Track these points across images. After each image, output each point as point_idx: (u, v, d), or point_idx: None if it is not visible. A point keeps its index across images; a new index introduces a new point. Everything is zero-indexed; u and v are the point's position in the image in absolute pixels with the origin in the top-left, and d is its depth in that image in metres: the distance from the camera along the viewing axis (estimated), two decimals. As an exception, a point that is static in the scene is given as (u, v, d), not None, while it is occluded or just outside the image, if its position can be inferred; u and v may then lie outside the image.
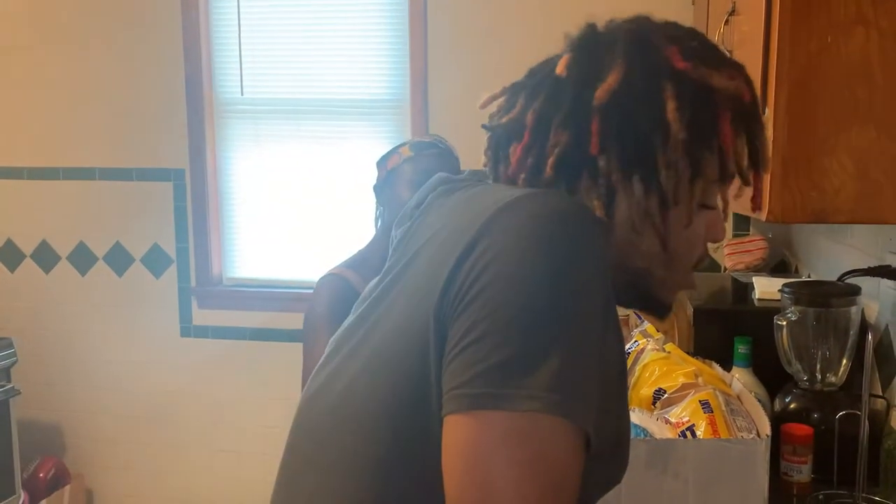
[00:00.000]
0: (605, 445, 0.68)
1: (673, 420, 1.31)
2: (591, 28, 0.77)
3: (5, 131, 3.00)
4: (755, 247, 2.28)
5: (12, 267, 3.05)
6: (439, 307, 0.66)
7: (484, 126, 0.81)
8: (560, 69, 0.74)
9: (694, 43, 0.75)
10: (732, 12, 1.50)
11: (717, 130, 0.73)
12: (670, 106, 0.70)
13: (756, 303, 1.75)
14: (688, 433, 1.26)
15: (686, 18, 2.41)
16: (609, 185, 0.72)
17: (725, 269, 2.34)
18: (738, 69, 0.75)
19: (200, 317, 2.92)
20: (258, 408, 2.86)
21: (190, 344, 2.94)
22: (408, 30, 2.65)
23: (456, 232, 0.69)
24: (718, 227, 0.80)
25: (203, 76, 2.81)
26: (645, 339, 1.52)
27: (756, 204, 1.24)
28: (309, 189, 2.82)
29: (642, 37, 0.75)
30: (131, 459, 2.99)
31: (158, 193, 2.89)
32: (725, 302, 1.96)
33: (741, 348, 1.57)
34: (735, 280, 2.10)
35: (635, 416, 1.33)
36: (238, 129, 2.87)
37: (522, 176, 0.75)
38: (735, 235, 2.48)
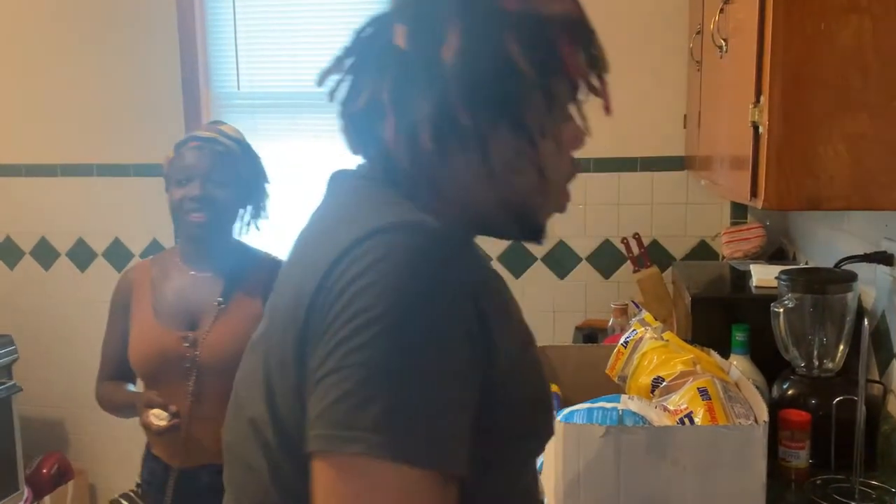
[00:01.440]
0: (519, 422, 0.72)
1: (671, 408, 1.32)
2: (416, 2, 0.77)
3: (2, 129, 2.99)
4: (753, 234, 2.29)
5: (12, 264, 3.05)
6: (297, 343, 0.67)
7: (340, 115, 0.81)
8: (399, 41, 0.74)
9: None
10: (727, 1, 1.50)
11: (560, 55, 0.75)
12: (514, 50, 0.73)
13: (753, 290, 1.76)
14: (686, 420, 1.27)
15: (682, 8, 2.41)
16: (480, 139, 0.74)
17: (723, 257, 2.35)
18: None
19: (200, 311, 2.93)
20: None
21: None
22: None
23: (309, 265, 0.70)
24: (577, 135, 0.81)
25: (199, 70, 2.80)
26: (643, 328, 1.53)
27: (752, 191, 1.26)
28: (306, 183, 2.82)
29: None
30: (133, 454, 2.99)
31: (156, 188, 2.87)
32: (723, 290, 1.97)
33: (739, 335, 1.58)
34: (733, 268, 2.10)
35: (634, 405, 1.34)
36: (235, 123, 2.84)
37: (401, 152, 0.75)
38: (733, 223, 2.49)
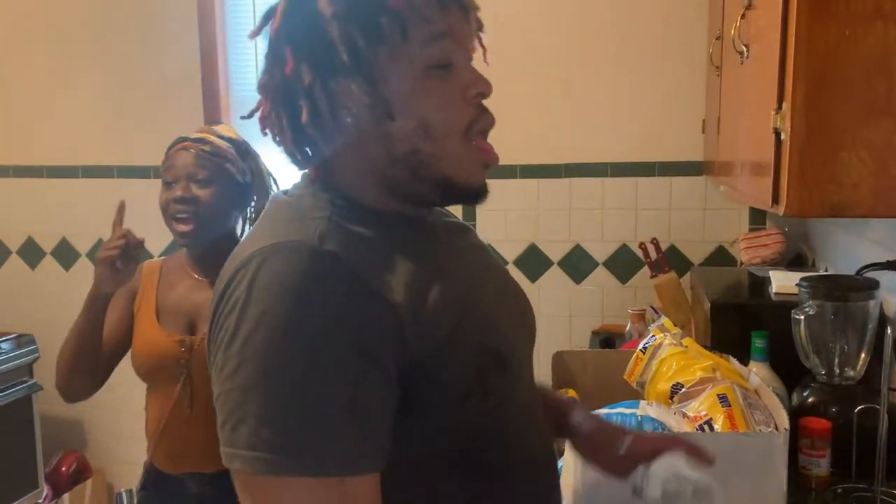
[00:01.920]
0: (468, 383, 0.76)
1: (691, 414, 1.31)
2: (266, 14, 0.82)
3: (25, 131, 3.03)
4: (771, 241, 2.27)
5: (33, 264, 3.09)
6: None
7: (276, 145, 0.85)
8: (251, 35, 0.83)
9: None
10: (749, 6, 1.49)
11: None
12: (322, 3, 0.75)
13: (773, 297, 1.75)
14: (706, 427, 1.27)
15: (701, 13, 2.40)
16: (331, 105, 0.76)
17: (742, 263, 2.34)
18: None
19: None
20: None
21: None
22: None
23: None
24: (471, 80, 0.79)
25: (218, 74, 2.82)
26: (662, 334, 1.53)
27: (774, 198, 1.25)
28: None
29: None
30: (151, 454, 3.02)
31: (176, 191, 2.92)
32: (742, 296, 1.96)
33: (758, 342, 1.57)
34: (751, 274, 2.09)
35: (653, 410, 1.34)
36: (254, 126, 2.88)
37: (297, 149, 0.81)
38: (751, 229, 2.48)
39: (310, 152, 0.81)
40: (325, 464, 0.67)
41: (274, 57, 0.79)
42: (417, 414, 0.74)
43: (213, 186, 1.59)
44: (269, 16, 0.81)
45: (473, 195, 0.82)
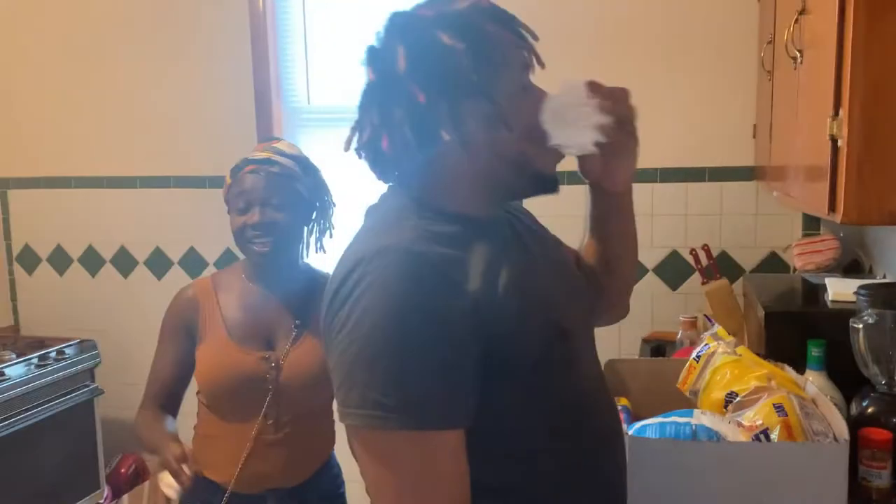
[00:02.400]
0: (538, 354, 0.91)
1: (746, 423, 1.30)
2: (370, 47, 0.98)
3: (84, 143, 3.14)
4: (826, 247, 2.23)
5: (94, 272, 3.19)
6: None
7: (361, 157, 1.02)
8: (370, 76, 0.97)
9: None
10: (803, 11, 1.48)
11: (482, 33, 0.93)
12: (445, 38, 0.91)
13: (830, 304, 1.72)
14: (762, 437, 1.26)
15: (751, 17, 2.38)
16: (451, 119, 0.92)
17: (795, 269, 2.30)
18: None
19: (270, 319, 3.01)
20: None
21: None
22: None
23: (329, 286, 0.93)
24: (540, 95, 0.97)
25: (271, 85, 2.89)
26: (716, 342, 1.52)
27: (830, 206, 1.24)
28: (375, 194, 2.87)
29: (398, 19, 0.96)
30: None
31: (229, 200, 2.99)
32: (797, 304, 1.93)
33: (815, 351, 1.54)
34: (806, 281, 2.06)
35: (707, 419, 1.33)
36: (305, 136, 2.94)
37: (399, 157, 0.96)
38: (805, 235, 2.44)
39: (416, 168, 0.97)
40: (423, 419, 0.83)
41: (397, 93, 0.93)
42: (496, 381, 0.88)
43: (289, 209, 1.63)
44: (381, 60, 0.95)
45: (554, 184, 0.99)
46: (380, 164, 1.01)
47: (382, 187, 1.06)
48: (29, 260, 3.27)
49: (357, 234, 0.99)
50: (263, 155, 1.65)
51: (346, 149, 1.02)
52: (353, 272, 0.88)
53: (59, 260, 3.23)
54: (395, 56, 0.93)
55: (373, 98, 0.97)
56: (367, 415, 0.83)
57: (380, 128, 0.95)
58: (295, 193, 1.65)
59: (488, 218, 1.00)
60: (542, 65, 0.99)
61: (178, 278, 3.06)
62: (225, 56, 2.91)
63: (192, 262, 3.06)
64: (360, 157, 1.02)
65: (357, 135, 1.00)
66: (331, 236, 1.76)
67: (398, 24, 0.95)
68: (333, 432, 1.75)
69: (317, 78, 2.89)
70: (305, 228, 1.71)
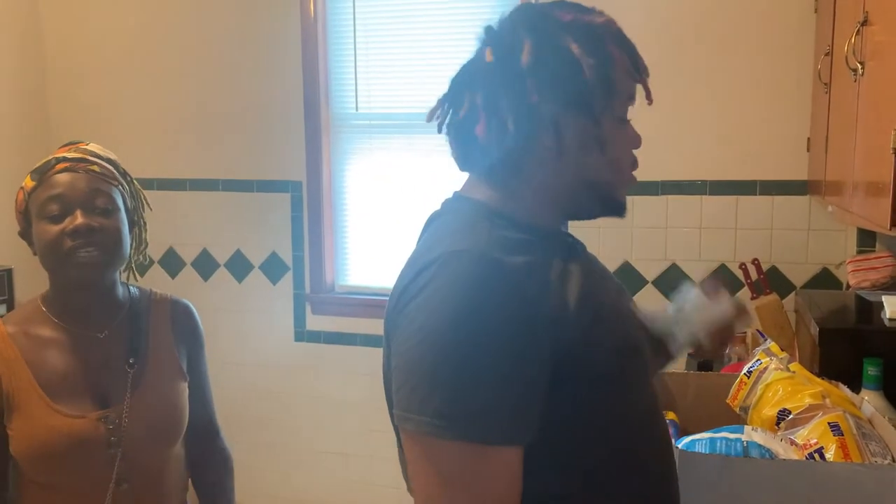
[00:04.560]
0: (610, 367, 0.88)
1: (800, 442, 1.27)
2: (489, 27, 0.97)
3: (134, 146, 3.21)
4: (881, 263, 2.17)
5: (143, 272, 3.25)
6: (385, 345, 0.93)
7: (442, 131, 0.99)
8: (488, 58, 0.93)
9: (566, 1, 0.97)
10: (865, 23, 1.45)
11: (610, 55, 0.92)
12: (575, 48, 0.90)
13: (887, 323, 1.67)
14: (816, 456, 1.23)
15: (808, 28, 2.34)
16: (555, 126, 0.91)
17: (848, 286, 2.25)
18: (599, 10, 0.96)
19: (314, 322, 3.04)
20: (365, 411, 2.95)
21: (303, 348, 3.06)
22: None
23: (397, 285, 0.92)
24: (635, 134, 0.99)
25: (320, 93, 2.93)
26: (768, 358, 1.49)
27: (893, 221, 1.21)
28: (418, 201, 2.89)
29: (531, 11, 0.95)
30: (240, 458, 3.12)
31: (277, 204, 3.03)
32: (852, 321, 1.88)
33: (871, 370, 1.50)
34: (860, 298, 2.01)
35: (759, 436, 1.30)
36: (352, 142, 2.97)
37: (492, 144, 0.93)
38: (859, 252, 2.37)
39: (505, 162, 0.94)
40: (483, 432, 0.80)
41: (511, 83, 0.91)
42: (563, 395, 0.85)
43: (112, 214, 1.33)
44: (503, 46, 0.93)
45: (622, 210, 1.00)
46: (464, 147, 0.98)
47: (435, 197, 1.04)
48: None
49: (425, 239, 0.98)
50: (76, 154, 1.34)
51: (429, 120, 1.00)
52: (424, 272, 0.86)
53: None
54: (520, 47, 0.91)
55: (483, 79, 0.94)
56: (426, 422, 0.80)
57: (481, 111, 0.92)
58: (119, 197, 1.35)
59: (556, 232, 0.99)
60: (650, 100, 0.98)
61: (224, 280, 3.12)
62: (277, 62, 2.96)
63: (239, 265, 3.11)
64: (444, 132, 0.99)
65: (449, 110, 0.97)
66: (145, 259, 1.49)
67: (531, 18, 0.94)
68: (186, 473, 1.49)
69: (365, 86, 2.91)
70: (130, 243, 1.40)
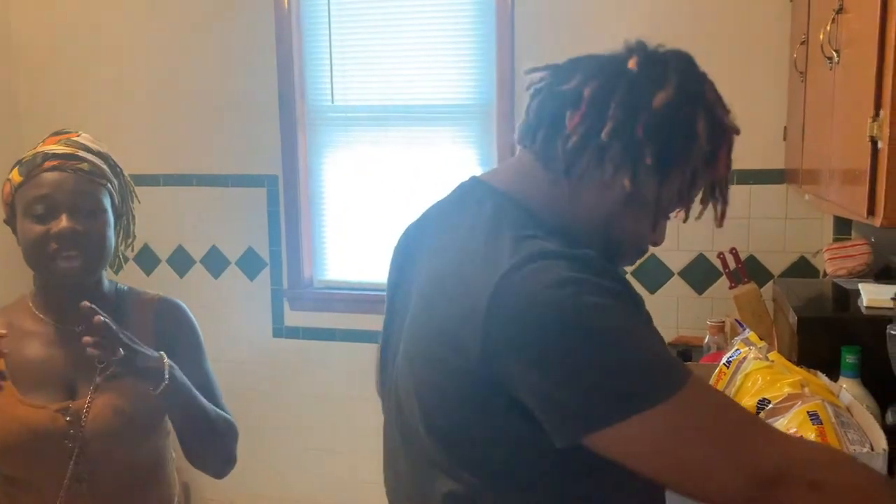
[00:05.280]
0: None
1: (779, 431, 1.27)
2: (643, 44, 0.96)
3: (106, 140, 3.15)
4: (858, 251, 2.18)
5: (117, 270, 3.20)
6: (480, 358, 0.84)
7: (531, 89, 0.97)
8: (631, 65, 0.92)
9: (714, 86, 0.97)
10: (840, 10, 1.45)
11: (715, 156, 0.93)
12: (701, 123, 0.91)
13: (864, 310, 1.68)
14: (796, 445, 1.23)
15: (783, 15, 2.34)
16: (634, 169, 0.90)
17: (826, 274, 2.26)
18: (732, 114, 0.97)
19: (292, 318, 3.01)
20: (347, 407, 2.92)
21: (281, 344, 3.03)
22: (494, 35, 2.66)
23: (469, 282, 0.87)
24: (662, 234, 1.01)
25: (295, 86, 2.89)
26: (747, 348, 1.49)
27: (869, 209, 1.21)
28: (397, 193, 2.86)
29: (689, 65, 0.95)
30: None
31: (253, 199, 2.99)
32: (830, 309, 1.89)
33: (849, 358, 1.51)
34: (837, 286, 2.02)
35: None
36: (328, 135, 2.94)
37: (574, 139, 0.91)
38: (836, 239, 2.39)
39: (568, 164, 0.93)
40: (670, 384, 0.81)
41: (632, 103, 0.90)
42: None
43: (98, 216, 1.33)
44: (648, 65, 0.93)
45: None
46: (549, 121, 0.94)
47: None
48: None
49: (477, 221, 0.93)
50: (66, 149, 1.33)
51: (528, 73, 0.98)
52: (526, 271, 0.83)
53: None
54: (661, 83, 0.91)
55: (607, 76, 0.92)
56: (631, 405, 0.80)
57: (608, 116, 0.90)
58: (107, 197, 1.35)
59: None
60: (686, 218, 1.00)
61: (200, 276, 3.08)
62: (250, 54, 2.92)
63: (215, 261, 3.07)
64: (532, 94, 0.97)
65: (571, 105, 0.92)
66: (132, 250, 1.51)
67: (686, 68, 0.94)
68: (173, 482, 1.50)
69: (341, 78, 2.88)
70: (115, 240, 1.40)
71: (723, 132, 0.94)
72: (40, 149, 1.34)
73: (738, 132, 0.96)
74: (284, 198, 2.95)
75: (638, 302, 0.87)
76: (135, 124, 3.10)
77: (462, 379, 0.86)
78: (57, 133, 1.39)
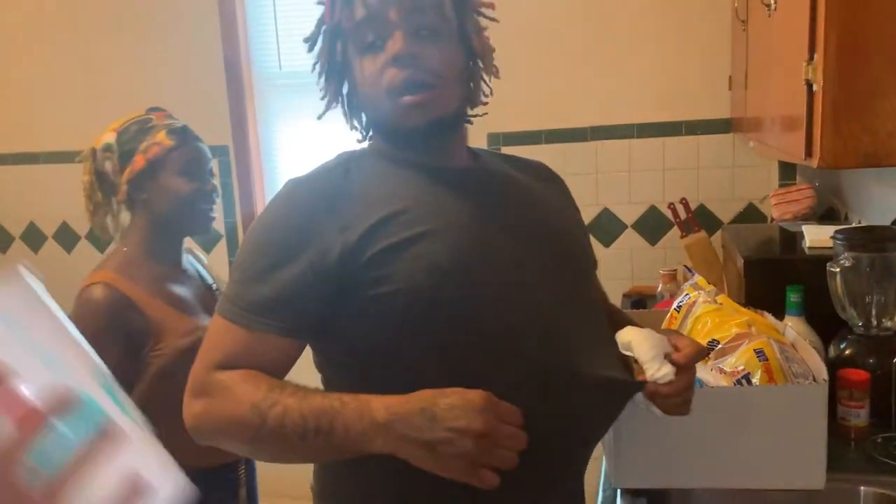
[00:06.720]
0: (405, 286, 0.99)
1: (728, 369, 1.32)
2: None
3: (49, 117, 3.07)
4: (802, 196, 2.25)
5: (36, 248, 3.14)
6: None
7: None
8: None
9: None
10: (776, -43, 1.47)
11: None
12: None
13: (807, 251, 1.74)
14: (743, 381, 1.28)
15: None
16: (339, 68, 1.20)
17: (772, 219, 2.32)
18: None
19: (251, 289, 2.99)
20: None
21: (242, 316, 3.01)
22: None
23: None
24: (384, 62, 1.12)
25: (241, 52, 2.84)
26: (696, 292, 1.53)
27: (807, 151, 1.24)
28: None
29: None
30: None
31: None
32: (775, 251, 1.95)
33: (793, 297, 1.56)
34: (783, 230, 2.08)
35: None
36: (278, 102, 2.90)
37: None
38: (781, 185, 2.45)
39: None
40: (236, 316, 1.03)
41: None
42: None
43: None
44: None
45: (419, 137, 1.13)
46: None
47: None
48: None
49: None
50: (182, 123, 1.62)
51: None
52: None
53: (34, 237, 3.19)
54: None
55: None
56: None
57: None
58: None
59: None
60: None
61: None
62: (193, 24, 2.85)
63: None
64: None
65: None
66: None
67: None
68: None
69: (287, 43, 2.83)
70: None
71: None
72: (169, 121, 1.60)
73: None
74: (237, 168, 2.91)
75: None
76: (74, 100, 3.01)
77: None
78: (154, 110, 1.66)
